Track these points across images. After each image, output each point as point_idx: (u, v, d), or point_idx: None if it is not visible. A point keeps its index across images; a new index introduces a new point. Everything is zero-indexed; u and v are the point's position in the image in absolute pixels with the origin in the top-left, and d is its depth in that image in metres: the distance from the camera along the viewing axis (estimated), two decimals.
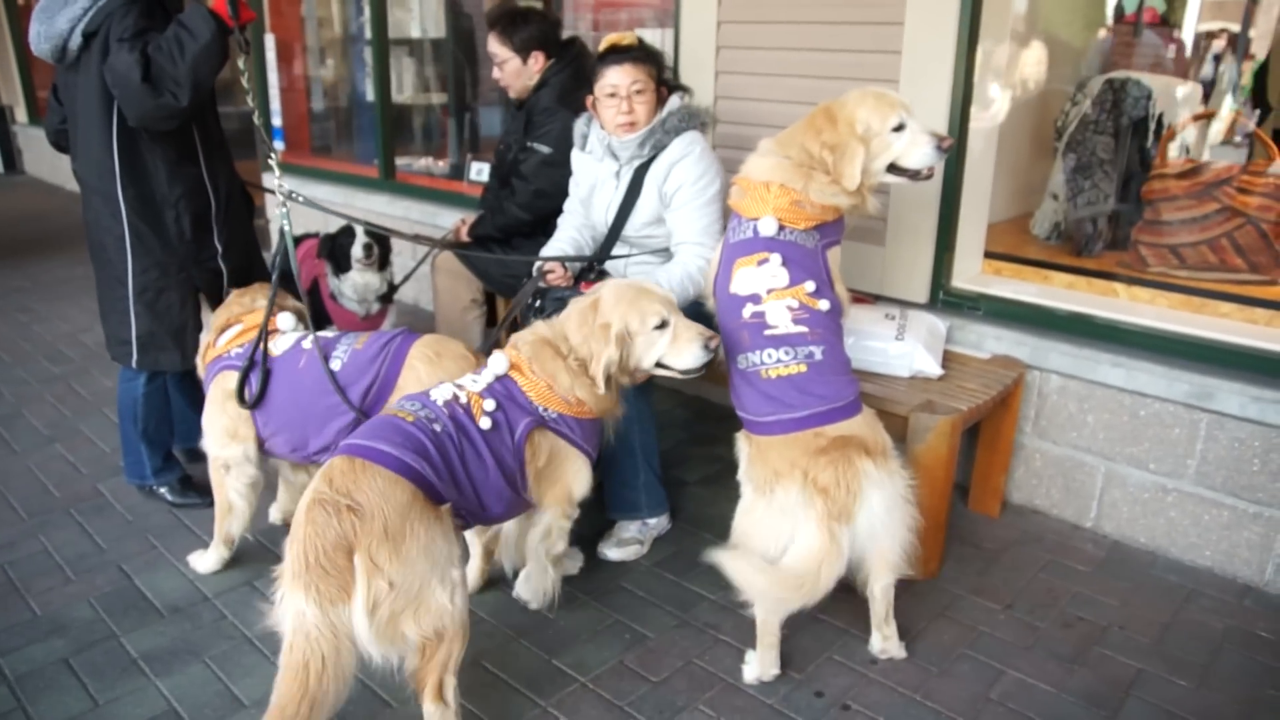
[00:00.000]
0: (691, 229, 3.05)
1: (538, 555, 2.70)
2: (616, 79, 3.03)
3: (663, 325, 2.52)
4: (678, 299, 2.94)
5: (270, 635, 2.72)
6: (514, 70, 3.69)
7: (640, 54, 3.04)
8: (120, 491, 3.59)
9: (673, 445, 4.01)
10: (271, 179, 3.25)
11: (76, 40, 2.96)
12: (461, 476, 2.30)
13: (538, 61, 3.67)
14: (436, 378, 2.70)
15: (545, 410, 2.49)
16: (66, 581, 3.04)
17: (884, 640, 2.65)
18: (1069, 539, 3.31)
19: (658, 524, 3.25)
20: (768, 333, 2.51)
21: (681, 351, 2.56)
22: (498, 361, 2.53)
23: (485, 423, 2.38)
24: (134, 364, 3.28)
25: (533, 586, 2.78)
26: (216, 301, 3.36)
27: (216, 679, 2.60)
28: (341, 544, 2.00)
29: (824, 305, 2.56)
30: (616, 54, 3.03)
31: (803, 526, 2.33)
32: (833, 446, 2.37)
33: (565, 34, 3.99)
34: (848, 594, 2.58)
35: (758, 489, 2.47)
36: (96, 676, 2.60)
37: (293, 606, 2.00)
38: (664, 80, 3.12)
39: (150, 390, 3.40)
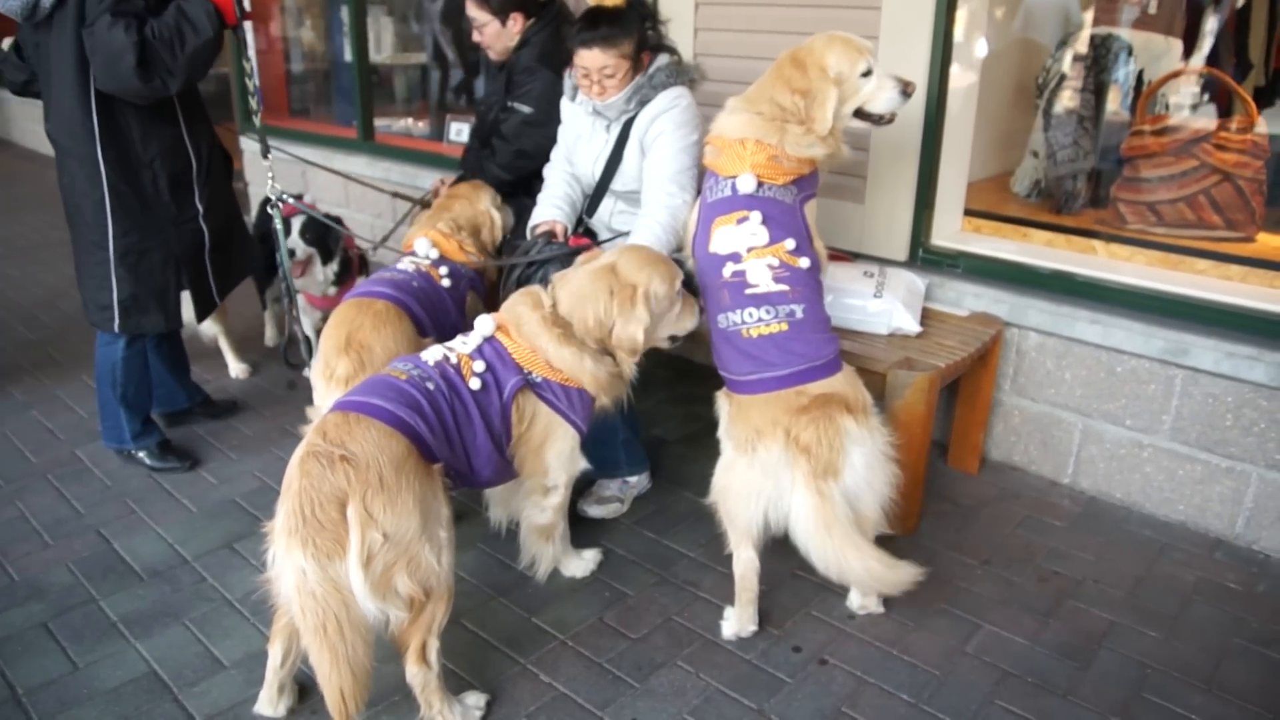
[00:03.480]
0: (663, 171, 2.99)
1: (525, 521, 2.72)
2: (586, 62, 2.98)
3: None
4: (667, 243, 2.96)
5: (249, 596, 2.76)
6: (493, 33, 3.64)
7: (613, 32, 2.95)
8: (98, 456, 3.57)
9: (654, 404, 4.01)
10: (266, 181, 3.37)
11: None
12: (454, 435, 2.30)
13: (517, 23, 3.62)
14: None
15: (530, 374, 2.49)
16: (44, 546, 3.04)
17: (862, 597, 2.68)
18: (1046, 495, 3.35)
19: (638, 482, 3.26)
20: (749, 291, 2.50)
21: (683, 319, 2.59)
22: (484, 324, 2.52)
23: (475, 383, 2.38)
24: (116, 328, 3.25)
25: (526, 550, 2.78)
26: (196, 264, 3.32)
27: (196, 640, 2.60)
28: (336, 496, 1.97)
29: (804, 263, 2.55)
30: (589, 32, 2.95)
31: (793, 492, 2.34)
32: (814, 405, 2.38)
33: None
34: None
35: (739, 447, 2.48)
36: (76, 640, 2.60)
37: (292, 564, 1.95)
38: (647, 45, 3.04)
39: (129, 354, 3.37)
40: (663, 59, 3.06)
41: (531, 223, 3.27)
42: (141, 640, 2.60)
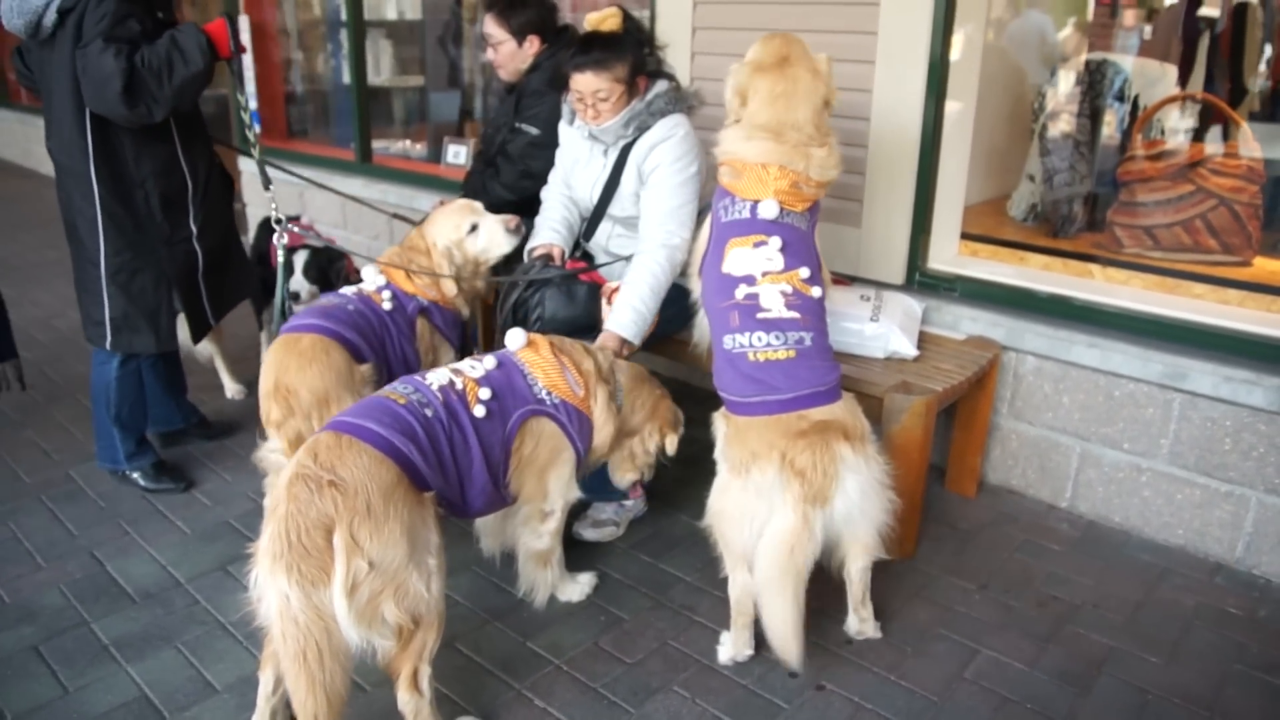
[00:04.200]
0: (661, 208, 3.01)
1: (522, 548, 2.70)
2: (579, 85, 2.98)
3: None
4: (648, 315, 2.98)
5: (242, 619, 2.72)
6: (508, 53, 3.67)
7: (606, 56, 2.93)
8: (92, 477, 3.55)
9: None
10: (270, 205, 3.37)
11: (51, 17, 2.91)
12: (449, 464, 2.28)
13: (533, 45, 3.65)
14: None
15: (550, 395, 2.50)
16: (37, 569, 3.01)
17: (860, 622, 2.66)
18: (1044, 519, 3.33)
19: (634, 506, 3.24)
20: (760, 315, 2.48)
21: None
22: (515, 338, 2.55)
23: (480, 410, 2.36)
24: (108, 345, 3.24)
25: (524, 578, 2.76)
26: (189, 285, 3.31)
27: (189, 664, 2.58)
28: (323, 522, 1.95)
29: (816, 292, 2.56)
30: (582, 55, 2.95)
31: (778, 509, 2.32)
32: (812, 430, 2.36)
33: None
34: (822, 575, 2.58)
35: (734, 469, 2.46)
36: (67, 664, 2.58)
37: (276, 590, 1.93)
38: (642, 69, 3.03)
39: (124, 374, 3.36)
40: (661, 85, 3.06)
41: (529, 246, 3.27)
42: (133, 664, 2.58)
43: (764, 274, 2.51)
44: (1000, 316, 3.38)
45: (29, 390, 4.30)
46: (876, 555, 2.50)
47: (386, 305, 3.08)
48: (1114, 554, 3.12)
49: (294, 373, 2.77)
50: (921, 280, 3.60)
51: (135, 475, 3.47)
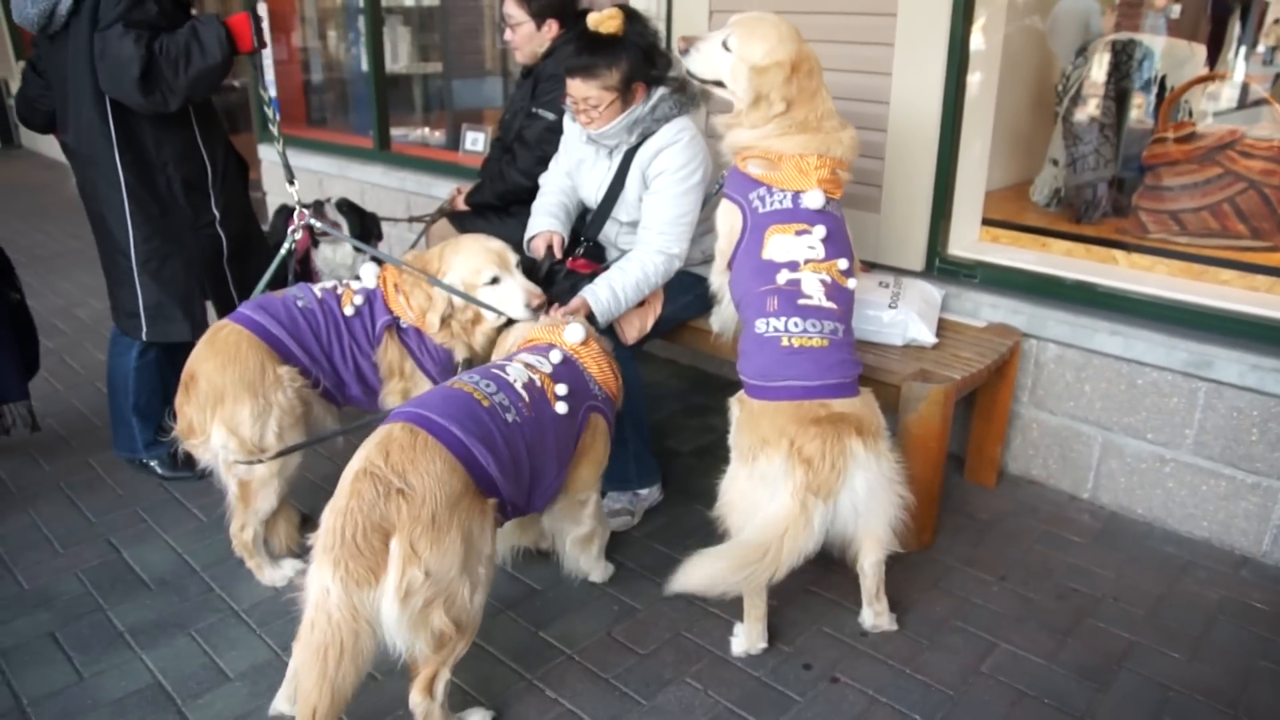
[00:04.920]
0: (662, 216, 2.96)
1: (569, 537, 2.69)
2: (570, 90, 2.93)
3: None
4: (624, 304, 2.95)
5: (257, 607, 2.75)
6: (526, 34, 3.64)
7: (595, 62, 2.85)
8: (111, 465, 3.57)
9: (666, 416, 3.97)
10: (291, 193, 3.25)
11: (66, 5, 2.90)
12: (524, 469, 2.24)
13: (551, 29, 3.62)
14: None
15: (600, 389, 2.52)
16: (54, 555, 3.03)
17: (875, 616, 2.62)
18: (1065, 510, 3.28)
19: (649, 495, 3.22)
20: (801, 302, 2.47)
21: None
22: (576, 332, 2.52)
23: (561, 408, 2.35)
24: (144, 336, 3.25)
25: (570, 562, 2.76)
26: (215, 271, 3.30)
27: (202, 651, 2.59)
28: (382, 526, 1.92)
29: (851, 284, 2.57)
30: (574, 59, 2.88)
31: (780, 495, 2.29)
32: (827, 420, 2.33)
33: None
34: (838, 566, 2.56)
35: (741, 456, 2.44)
36: (82, 649, 2.59)
37: (318, 581, 1.92)
38: (640, 77, 2.91)
39: (142, 364, 3.37)
40: (664, 89, 2.97)
41: (527, 236, 3.24)
42: (147, 651, 2.59)
43: (806, 261, 2.50)
44: (1021, 303, 3.32)
45: (51, 378, 4.35)
46: (890, 550, 2.46)
47: (348, 310, 2.84)
48: (1136, 546, 3.07)
49: (201, 360, 2.69)
50: (941, 266, 3.54)
51: (153, 464, 3.49)
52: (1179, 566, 2.95)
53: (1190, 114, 3.85)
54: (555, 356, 2.46)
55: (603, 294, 2.90)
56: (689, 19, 3.96)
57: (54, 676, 2.49)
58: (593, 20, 2.91)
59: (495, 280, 2.83)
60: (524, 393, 2.28)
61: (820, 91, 2.60)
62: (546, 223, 3.21)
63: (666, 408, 4.05)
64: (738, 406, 2.58)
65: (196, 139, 3.21)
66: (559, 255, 3.15)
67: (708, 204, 3.05)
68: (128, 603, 2.79)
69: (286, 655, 2.54)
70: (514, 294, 2.84)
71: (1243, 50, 4.15)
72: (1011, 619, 2.70)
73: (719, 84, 2.70)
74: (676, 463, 3.59)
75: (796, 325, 2.44)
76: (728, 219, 2.71)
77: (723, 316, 2.92)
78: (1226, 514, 3.02)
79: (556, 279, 3.07)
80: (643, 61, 2.91)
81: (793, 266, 2.51)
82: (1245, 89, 4.01)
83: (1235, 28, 4.13)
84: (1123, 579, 2.88)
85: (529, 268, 3.03)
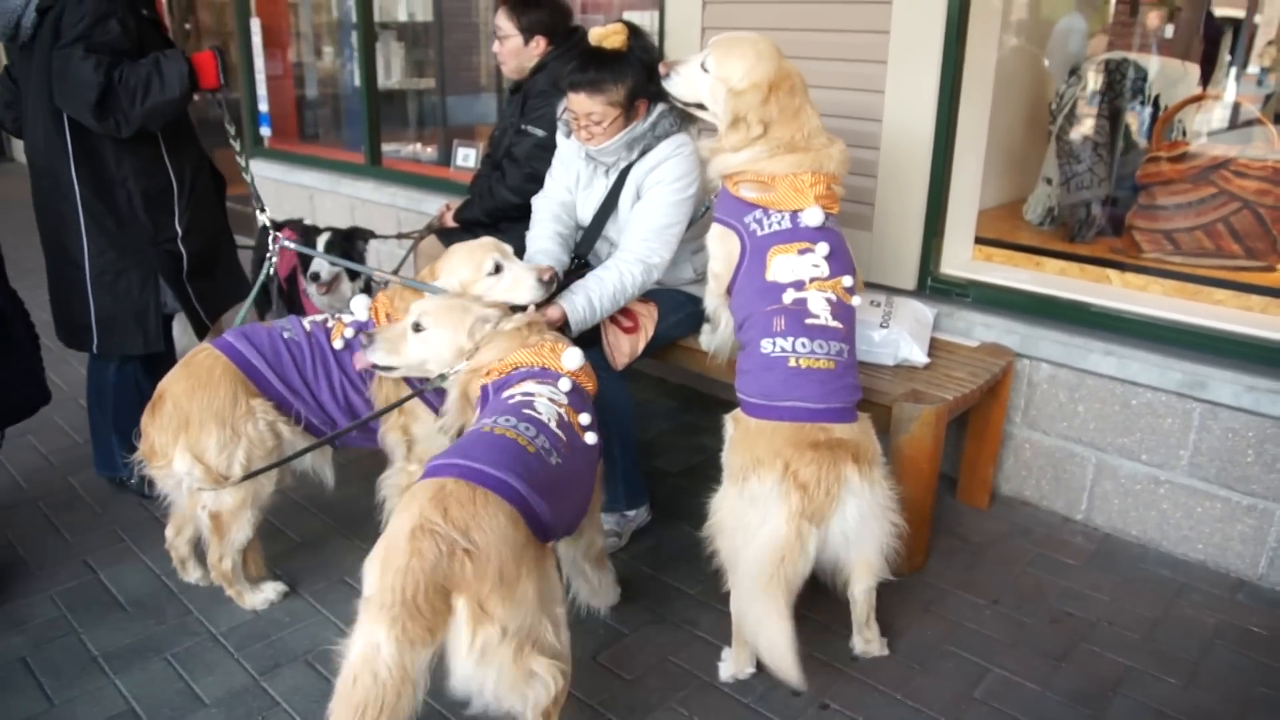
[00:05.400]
0: (650, 224, 2.89)
1: (598, 563, 2.64)
2: (573, 105, 2.88)
3: None
4: (598, 315, 2.85)
5: (235, 630, 2.70)
6: (513, 48, 3.62)
7: (600, 78, 2.80)
8: (90, 484, 3.51)
9: (655, 435, 3.93)
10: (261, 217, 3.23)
11: (30, 17, 2.87)
12: (570, 510, 2.20)
13: (538, 45, 3.60)
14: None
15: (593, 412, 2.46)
16: (29, 576, 2.97)
17: (865, 643, 2.57)
18: (1059, 532, 3.23)
19: (637, 516, 3.17)
20: (809, 321, 2.42)
21: None
22: (575, 358, 2.41)
23: (590, 438, 2.30)
24: (94, 349, 3.20)
25: (604, 585, 2.70)
26: (175, 286, 3.24)
27: (178, 677, 2.52)
28: (445, 585, 1.82)
29: (855, 302, 2.53)
30: (577, 74, 2.83)
31: (772, 518, 2.25)
32: (825, 445, 2.29)
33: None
34: (827, 589, 2.51)
35: (732, 476, 2.40)
36: (54, 675, 2.53)
37: (368, 637, 1.80)
38: (644, 93, 2.86)
39: (120, 380, 3.31)
40: (662, 106, 2.92)
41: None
42: (121, 676, 2.53)
43: (812, 280, 2.45)
44: (1014, 323, 3.29)
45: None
46: (881, 577, 2.41)
47: (338, 344, 2.73)
48: (1131, 569, 3.02)
49: (173, 382, 2.63)
50: (934, 285, 3.51)
51: (132, 483, 3.42)
52: (1174, 590, 2.91)
53: (1184, 133, 3.84)
54: (565, 385, 2.34)
55: (579, 303, 2.81)
56: (682, 36, 3.94)
57: (23, 703, 2.43)
58: (596, 35, 2.87)
59: (498, 268, 2.71)
60: (560, 432, 2.20)
61: (804, 109, 2.54)
62: (541, 260, 3.08)
63: (655, 427, 4.01)
64: (732, 425, 2.53)
65: (162, 154, 3.15)
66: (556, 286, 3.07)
67: (695, 223, 3.01)
68: (103, 626, 2.73)
69: (264, 681, 2.50)
70: (522, 275, 2.71)
71: (1234, 71, 4.16)
72: (1004, 643, 2.65)
73: (700, 106, 2.66)
74: (665, 483, 3.54)
75: (804, 346, 2.39)
76: (724, 245, 2.63)
77: (719, 339, 2.86)
78: (1222, 536, 2.98)
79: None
80: (646, 78, 2.85)
81: (798, 285, 2.45)
82: (1237, 109, 4.01)
83: (1227, 48, 4.13)
84: (1117, 602, 2.84)
85: None
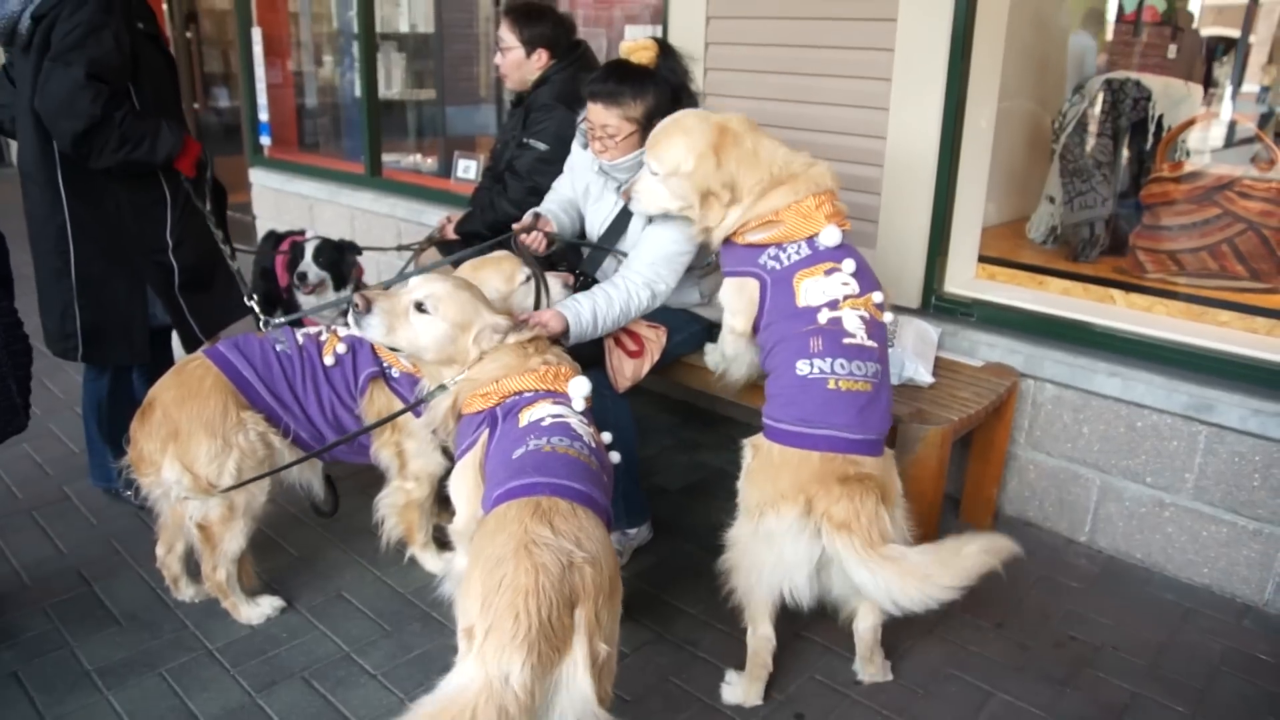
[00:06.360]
0: (660, 251, 2.82)
1: None
2: (590, 115, 2.86)
3: None
4: (599, 331, 2.76)
5: (232, 646, 2.66)
6: (515, 60, 3.62)
7: (621, 90, 2.77)
8: (86, 494, 3.48)
9: (655, 452, 3.90)
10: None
11: (26, 22, 2.84)
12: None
13: (540, 59, 3.59)
14: None
15: None
16: (22, 588, 2.93)
17: (870, 671, 2.54)
18: (1062, 554, 3.21)
19: (638, 534, 3.14)
20: (846, 341, 2.35)
21: None
22: (582, 387, 2.31)
23: (615, 457, 2.28)
24: (80, 358, 3.14)
25: None
26: (166, 299, 3.20)
27: (173, 693, 2.49)
28: (571, 600, 1.74)
29: (887, 318, 2.49)
30: (598, 84, 2.81)
31: (787, 560, 2.21)
32: (853, 480, 2.23)
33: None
34: (830, 612, 2.48)
35: (748, 511, 2.33)
36: (46, 690, 2.49)
37: (494, 670, 1.61)
38: (665, 114, 2.75)
39: (115, 390, 3.28)
40: None
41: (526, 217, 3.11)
42: (114, 691, 2.49)
43: (845, 298, 2.40)
44: (1018, 343, 3.27)
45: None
46: (889, 613, 2.34)
47: (328, 360, 2.71)
48: (1135, 592, 3.00)
49: (163, 390, 2.61)
50: (938, 304, 3.50)
51: (128, 494, 3.39)
52: (1179, 614, 2.89)
53: (1188, 154, 3.83)
54: (579, 406, 2.28)
55: (585, 317, 2.72)
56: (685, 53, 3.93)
57: (14, 719, 2.39)
58: (626, 48, 2.84)
59: (529, 278, 2.74)
60: (596, 444, 2.18)
61: (761, 145, 2.49)
62: (543, 209, 3.08)
63: (655, 443, 3.98)
64: (752, 453, 2.43)
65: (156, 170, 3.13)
66: (544, 239, 3.01)
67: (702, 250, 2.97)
68: (96, 639, 2.69)
69: (260, 698, 2.47)
70: (550, 285, 2.77)
71: (1230, 90, 4.16)
72: (1008, 667, 2.63)
73: (682, 209, 2.58)
74: (665, 500, 3.51)
75: (843, 367, 2.32)
76: (741, 294, 2.57)
77: (738, 372, 2.79)
78: (1228, 561, 2.96)
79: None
80: (670, 99, 2.81)
81: (832, 305, 2.39)
82: (1233, 126, 4.01)
83: (1227, 68, 4.14)
84: (1122, 627, 2.81)
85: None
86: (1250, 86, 4.24)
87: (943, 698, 2.51)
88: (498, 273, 2.72)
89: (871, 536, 2.16)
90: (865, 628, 2.45)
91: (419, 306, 2.29)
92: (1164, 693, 2.53)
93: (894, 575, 2.13)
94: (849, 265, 2.44)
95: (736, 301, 2.59)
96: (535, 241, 2.98)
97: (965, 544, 2.16)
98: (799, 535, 2.21)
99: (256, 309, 3.17)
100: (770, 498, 2.26)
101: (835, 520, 2.17)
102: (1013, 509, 3.42)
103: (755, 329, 2.58)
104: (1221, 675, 2.61)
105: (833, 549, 2.18)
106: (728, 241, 2.59)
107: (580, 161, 3.16)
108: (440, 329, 2.29)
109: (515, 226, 3.05)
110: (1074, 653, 2.69)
